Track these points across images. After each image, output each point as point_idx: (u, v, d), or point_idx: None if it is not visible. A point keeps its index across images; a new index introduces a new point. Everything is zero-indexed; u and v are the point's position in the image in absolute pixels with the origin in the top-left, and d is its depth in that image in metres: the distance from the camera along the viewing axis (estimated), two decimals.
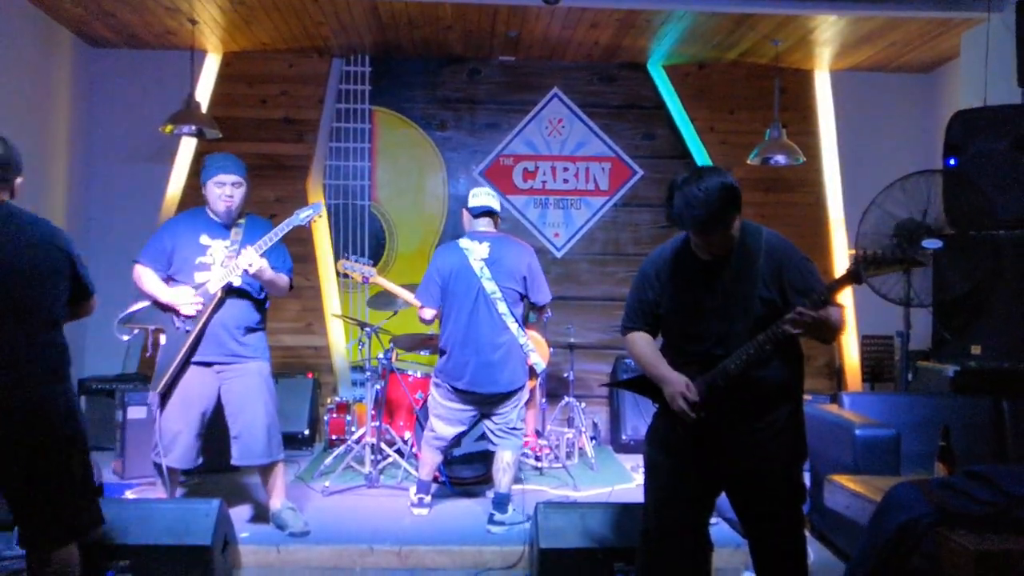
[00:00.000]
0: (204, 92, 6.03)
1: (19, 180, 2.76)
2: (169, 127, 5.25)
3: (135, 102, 6.11)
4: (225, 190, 3.85)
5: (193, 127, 5.36)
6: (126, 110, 6.14)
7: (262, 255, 3.75)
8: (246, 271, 3.74)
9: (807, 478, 3.84)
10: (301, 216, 3.89)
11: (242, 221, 3.96)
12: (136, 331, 3.82)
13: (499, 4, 5.19)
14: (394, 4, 5.21)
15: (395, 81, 6.43)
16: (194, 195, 6.06)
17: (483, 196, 4.33)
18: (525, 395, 4.33)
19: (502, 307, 4.15)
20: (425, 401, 4.70)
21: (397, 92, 6.45)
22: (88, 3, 5.20)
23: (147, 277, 3.84)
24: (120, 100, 6.18)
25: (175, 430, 3.82)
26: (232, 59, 6.24)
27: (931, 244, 4.57)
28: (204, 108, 5.59)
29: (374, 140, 6.44)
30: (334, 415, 5.69)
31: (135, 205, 6.10)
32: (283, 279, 3.93)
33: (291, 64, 6.34)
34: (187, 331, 3.77)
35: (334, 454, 5.19)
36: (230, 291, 3.82)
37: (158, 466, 3.83)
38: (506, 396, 4.18)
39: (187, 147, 6.15)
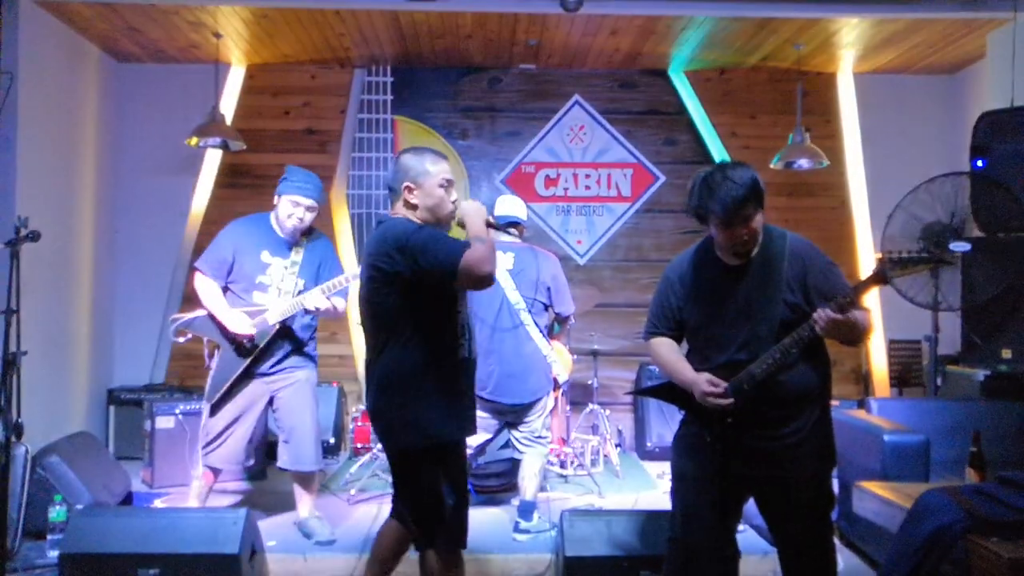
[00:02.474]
0: (228, 104, 6.10)
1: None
2: (195, 140, 5.32)
3: (161, 115, 6.18)
4: (298, 211, 3.86)
5: (218, 139, 5.43)
6: (152, 123, 6.21)
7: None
8: (305, 309, 3.82)
9: (835, 485, 3.80)
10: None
11: (304, 240, 3.99)
12: (189, 337, 3.93)
13: (519, 12, 5.21)
14: (415, 14, 5.24)
15: (416, 91, 6.47)
16: (220, 207, 6.14)
17: (509, 205, 4.34)
18: (550, 404, 4.33)
19: (526, 318, 4.14)
20: None
21: (418, 102, 6.48)
22: (115, 19, 5.28)
23: (207, 290, 3.90)
24: (146, 114, 6.25)
25: (219, 429, 3.93)
26: (255, 71, 6.31)
27: (959, 247, 4.52)
28: (228, 120, 5.66)
29: (396, 150, 6.47)
30: (359, 424, 5.72)
31: (161, 217, 6.19)
32: (341, 304, 3.97)
33: (313, 75, 6.39)
34: (240, 358, 3.88)
35: (360, 463, 5.20)
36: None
37: (209, 467, 3.98)
38: (529, 406, 4.18)
39: (212, 159, 6.22)
